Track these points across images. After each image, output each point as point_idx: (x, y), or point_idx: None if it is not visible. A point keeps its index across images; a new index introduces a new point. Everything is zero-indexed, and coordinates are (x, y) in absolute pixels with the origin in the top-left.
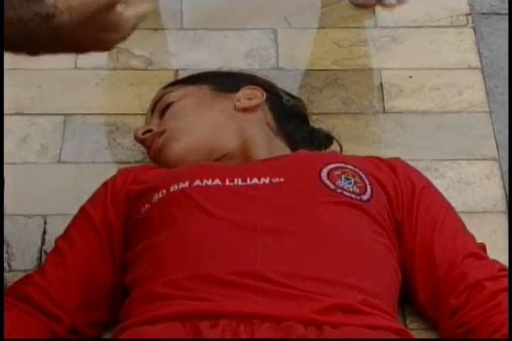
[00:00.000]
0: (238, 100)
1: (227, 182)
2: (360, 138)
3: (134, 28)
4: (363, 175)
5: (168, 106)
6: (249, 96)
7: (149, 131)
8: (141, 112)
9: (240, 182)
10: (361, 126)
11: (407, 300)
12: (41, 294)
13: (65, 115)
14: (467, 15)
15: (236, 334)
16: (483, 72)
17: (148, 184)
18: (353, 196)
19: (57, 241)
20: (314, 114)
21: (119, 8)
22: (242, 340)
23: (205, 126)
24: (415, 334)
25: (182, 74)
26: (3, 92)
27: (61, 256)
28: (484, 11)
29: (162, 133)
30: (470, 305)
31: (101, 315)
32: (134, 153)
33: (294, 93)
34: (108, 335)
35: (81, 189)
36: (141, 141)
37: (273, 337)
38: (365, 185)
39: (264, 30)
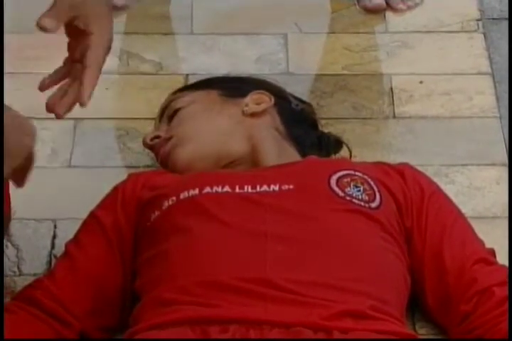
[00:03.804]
0: (246, 105)
1: (237, 189)
2: (369, 144)
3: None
4: (372, 183)
5: (176, 111)
6: (257, 101)
7: (157, 137)
8: (151, 117)
9: (249, 189)
10: (371, 131)
11: (417, 306)
12: (51, 298)
13: (75, 119)
14: (477, 20)
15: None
16: (493, 78)
17: (158, 191)
18: (362, 203)
19: (67, 245)
20: (324, 118)
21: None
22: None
23: (213, 131)
24: None
25: (192, 79)
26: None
27: (71, 260)
28: (495, 17)
29: (170, 139)
30: (479, 311)
31: (110, 320)
32: (143, 158)
33: (304, 98)
34: None
35: (91, 193)
36: (150, 147)
37: None
38: (374, 192)
39: (275, 36)
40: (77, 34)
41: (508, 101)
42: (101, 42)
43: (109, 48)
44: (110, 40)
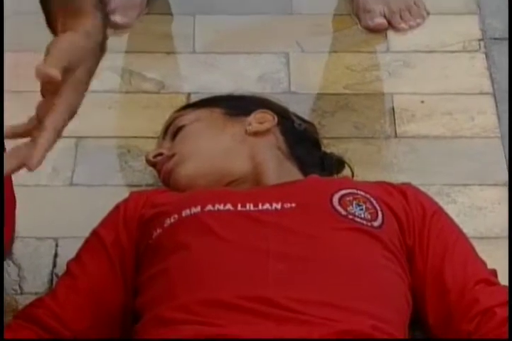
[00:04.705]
0: (249, 124)
1: (239, 207)
2: (371, 163)
3: None
4: (374, 201)
5: (179, 129)
6: (261, 120)
7: (160, 154)
8: (153, 135)
9: (251, 207)
10: (373, 150)
11: (417, 325)
12: (52, 317)
13: (77, 138)
14: (479, 40)
15: None
16: (495, 98)
17: (160, 208)
18: (364, 222)
19: (68, 264)
20: (326, 138)
21: None
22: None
23: (215, 149)
24: None
25: (194, 98)
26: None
27: (73, 279)
28: (496, 37)
29: (172, 156)
30: (481, 331)
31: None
32: (145, 176)
33: (306, 117)
34: None
35: (93, 212)
36: (152, 164)
37: None
38: (377, 211)
39: (277, 54)
40: (52, 92)
41: (508, 121)
42: (69, 107)
43: (74, 113)
44: (79, 105)
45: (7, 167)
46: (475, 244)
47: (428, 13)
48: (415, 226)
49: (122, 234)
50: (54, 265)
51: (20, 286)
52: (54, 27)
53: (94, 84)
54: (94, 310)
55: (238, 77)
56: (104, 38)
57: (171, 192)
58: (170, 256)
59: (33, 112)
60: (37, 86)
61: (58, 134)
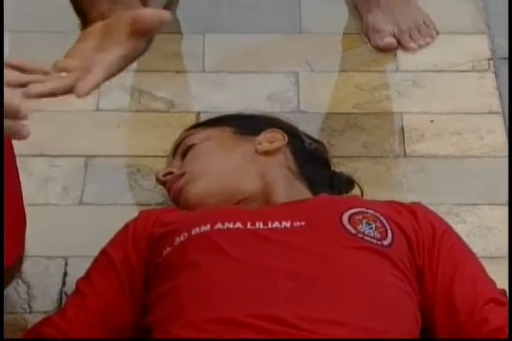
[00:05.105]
0: (259, 143)
1: (249, 226)
2: (381, 182)
3: None
4: (384, 220)
5: (189, 148)
6: (271, 139)
7: (170, 173)
8: (162, 154)
9: (261, 226)
10: (382, 170)
11: None
12: (61, 336)
13: (87, 157)
14: (489, 60)
15: None
16: (504, 117)
17: (169, 227)
18: (374, 241)
19: (78, 283)
20: (335, 157)
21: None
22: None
23: (225, 168)
24: None
25: (204, 117)
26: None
27: (82, 298)
28: (506, 56)
29: (182, 175)
30: None
31: None
32: (155, 195)
33: (315, 136)
34: None
35: (102, 231)
36: (162, 183)
37: None
38: (386, 230)
39: (286, 74)
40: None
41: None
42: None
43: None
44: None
45: (56, 84)
46: (484, 263)
47: (437, 33)
48: (425, 246)
49: (131, 253)
50: (63, 284)
51: (29, 305)
52: (88, 19)
53: (103, 103)
54: (102, 328)
55: (247, 96)
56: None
57: (181, 210)
58: (180, 274)
59: None
60: None
61: (109, 74)
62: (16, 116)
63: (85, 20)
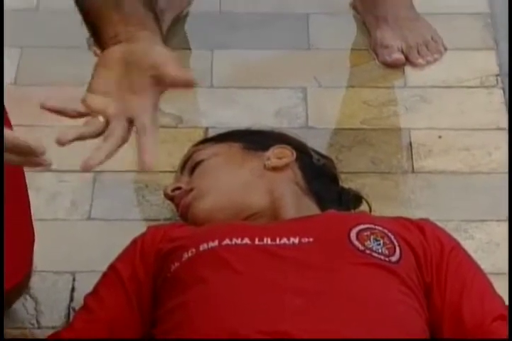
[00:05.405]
0: (268, 159)
1: (257, 242)
2: (388, 198)
3: None
4: (392, 237)
5: (198, 163)
6: (279, 155)
7: (178, 188)
8: (170, 170)
9: (269, 242)
10: (390, 185)
11: None
12: None
13: (95, 172)
14: (496, 75)
15: None
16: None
17: (177, 242)
18: (382, 257)
19: (86, 298)
20: (343, 173)
21: None
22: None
23: (234, 184)
24: None
25: (212, 133)
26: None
27: (90, 313)
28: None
29: (191, 191)
30: None
31: None
32: (163, 211)
33: (323, 152)
34: None
35: (110, 246)
36: (170, 198)
37: None
38: (394, 246)
39: (294, 89)
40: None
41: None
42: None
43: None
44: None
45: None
46: (492, 280)
47: (445, 49)
48: (433, 262)
49: (139, 269)
50: (71, 299)
51: (37, 320)
52: (102, 38)
53: None
54: None
55: (256, 111)
56: (162, 36)
57: (189, 226)
58: (188, 289)
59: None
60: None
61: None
62: (35, 153)
63: (98, 39)
